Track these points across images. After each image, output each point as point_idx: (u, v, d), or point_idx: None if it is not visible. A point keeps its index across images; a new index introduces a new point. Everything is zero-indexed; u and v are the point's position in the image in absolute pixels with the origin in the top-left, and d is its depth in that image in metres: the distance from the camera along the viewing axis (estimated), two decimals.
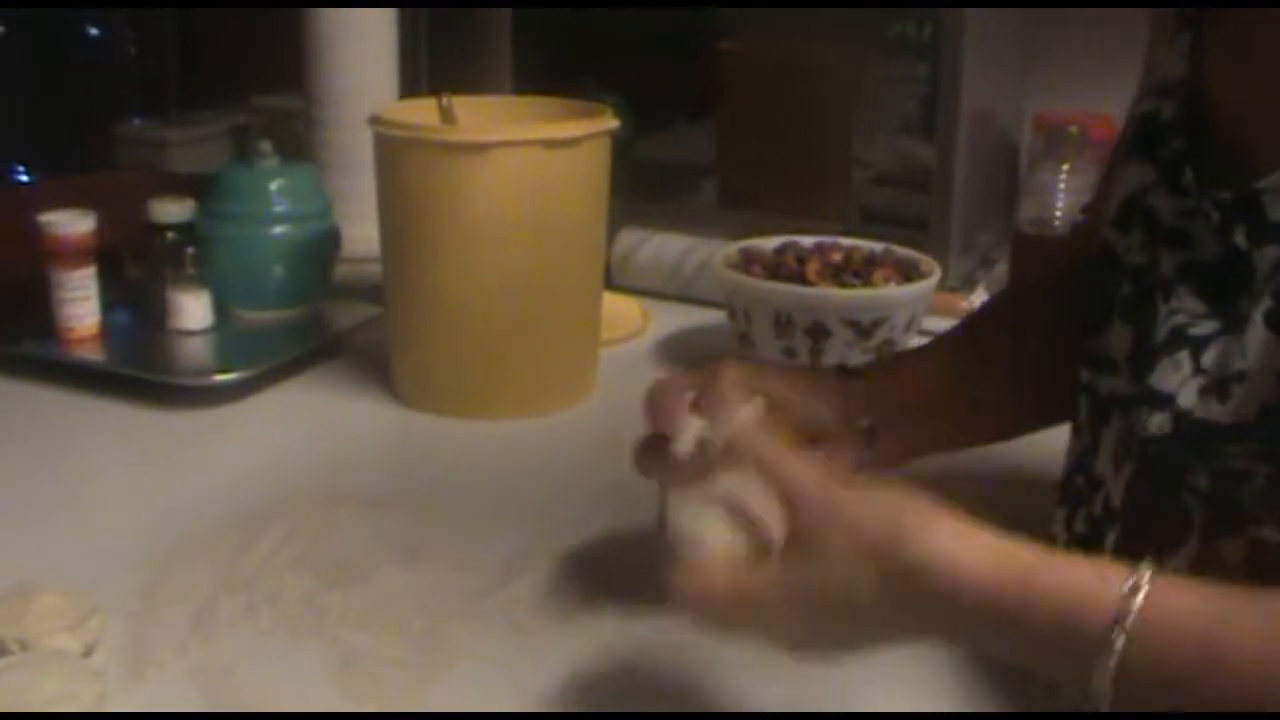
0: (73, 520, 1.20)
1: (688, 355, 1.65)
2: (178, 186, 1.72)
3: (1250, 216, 0.80)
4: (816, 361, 1.47)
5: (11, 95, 3.34)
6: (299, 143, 2.02)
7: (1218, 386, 0.80)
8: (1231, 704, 0.68)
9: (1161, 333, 0.85)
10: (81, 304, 1.53)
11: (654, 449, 0.97)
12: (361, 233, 1.68)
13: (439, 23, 2.33)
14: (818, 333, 1.45)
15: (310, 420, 1.46)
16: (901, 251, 1.58)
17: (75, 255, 1.51)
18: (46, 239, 1.50)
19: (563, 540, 1.15)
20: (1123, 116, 1.01)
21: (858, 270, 1.52)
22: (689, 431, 0.90)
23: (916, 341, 1.52)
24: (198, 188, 1.69)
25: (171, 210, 1.63)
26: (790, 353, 1.47)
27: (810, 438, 1.02)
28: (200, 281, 1.58)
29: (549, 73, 1.96)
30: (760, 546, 0.79)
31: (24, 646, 0.94)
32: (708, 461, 0.87)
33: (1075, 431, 0.97)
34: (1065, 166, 1.81)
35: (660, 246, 1.86)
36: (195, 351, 1.57)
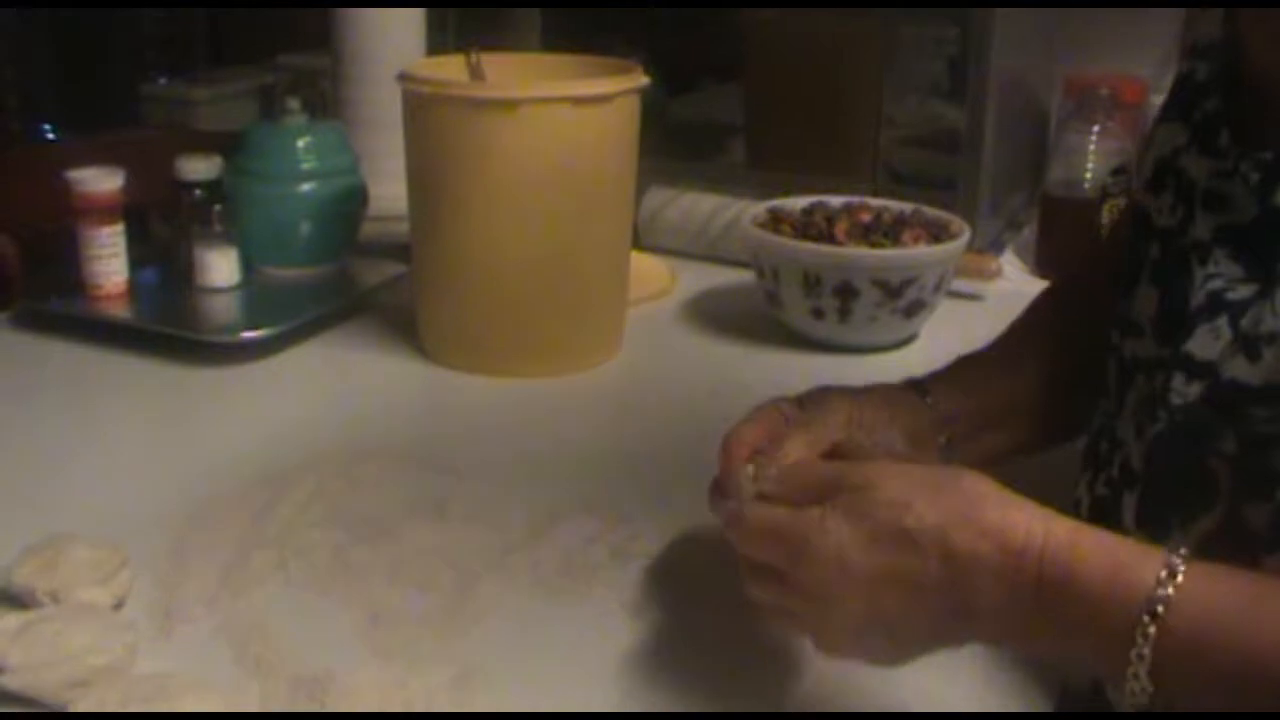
0: (101, 475, 1.20)
1: (715, 315, 1.64)
2: (205, 145, 1.71)
3: None
4: (846, 322, 1.46)
5: (39, 55, 3.34)
6: (325, 101, 2.02)
7: (1247, 347, 0.79)
8: (1266, 694, 0.68)
9: (1198, 298, 0.83)
10: (109, 261, 1.53)
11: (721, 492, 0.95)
12: (388, 190, 1.67)
13: None
14: (846, 292, 1.45)
15: (337, 377, 1.46)
16: (931, 212, 1.58)
17: (103, 212, 1.51)
18: (75, 196, 1.51)
19: (591, 498, 1.15)
20: (1154, 79, 1.00)
21: (887, 230, 1.51)
22: (746, 486, 0.89)
23: (944, 303, 1.52)
24: (225, 146, 1.69)
25: (199, 168, 1.63)
26: (818, 312, 1.47)
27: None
28: (227, 239, 1.58)
29: (577, 34, 1.95)
30: None
31: (55, 599, 0.94)
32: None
33: (1105, 395, 0.96)
34: (1095, 129, 1.80)
35: (688, 206, 1.85)
36: (222, 308, 1.57)
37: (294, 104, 1.67)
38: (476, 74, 1.48)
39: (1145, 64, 1.97)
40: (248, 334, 1.47)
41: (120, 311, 1.53)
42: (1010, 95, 1.89)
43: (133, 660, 0.89)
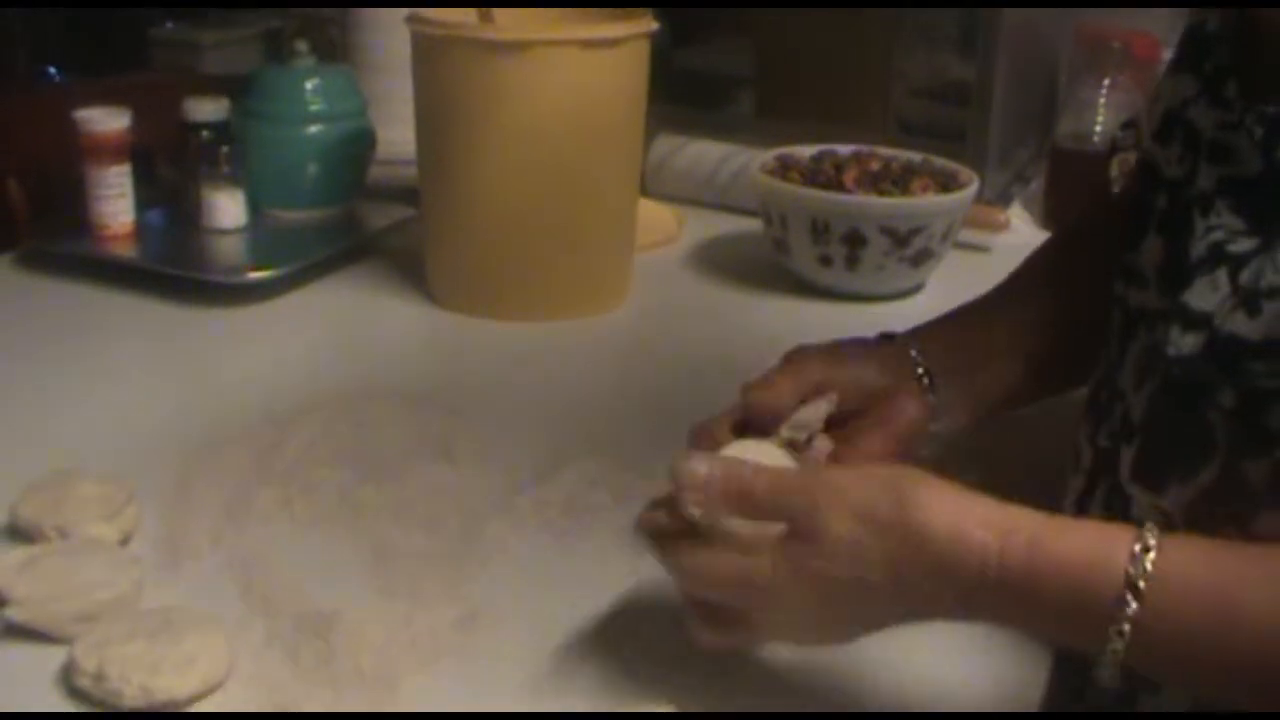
0: (108, 413, 1.20)
1: (722, 262, 1.64)
2: (212, 88, 1.71)
3: None
4: (854, 270, 1.46)
5: None
6: (332, 48, 2.01)
7: (1248, 301, 0.78)
8: (1248, 666, 0.68)
9: (1199, 249, 0.83)
10: (116, 201, 1.52)
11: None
12: (396, 134, 1.67)
13: None
14: (854, 240, 1.44)
15: (344, 319, 1.46)
16: (940, 161, 1.57)
17: (110, 152, 1.51)
18: (82, 136, 1.50)
19: (596, 442, 1.15)
20: (1166, 34, 1.00)
21: (896, 179, 1.51)
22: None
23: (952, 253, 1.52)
24: (232, 89, 1.68)
25: (207, 109, 1.63)
26: (825, 260, 1.47)
27: (870, 401, 1.00)
28: (235, 180, 1.58)
29: None
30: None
31: (62, 534, 0.94)
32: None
33: (1106, 344, 0.96)
34: (1106, 82, 1.79)
35: (696, 153, 1.84)
36: (230, 250, 1.57)
37: (303, 46, 1.67)
38: (486, 18, 1.47)
39: (1157, 18, 1.96)
40: (254, 275, 1.47)
41: (127, 252, 1.53)
42: (1021, 48, 1.88)
43: (139, 595, 0.90)
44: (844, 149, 1.60)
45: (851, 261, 1.46)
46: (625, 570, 0.96)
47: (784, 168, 1.56)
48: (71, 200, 1.54)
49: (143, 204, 1.56)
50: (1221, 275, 0.80)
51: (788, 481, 0.79)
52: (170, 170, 1.70)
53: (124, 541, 0.97)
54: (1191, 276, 0.82)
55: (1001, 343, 1.07)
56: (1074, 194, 1.78)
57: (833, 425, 0.97)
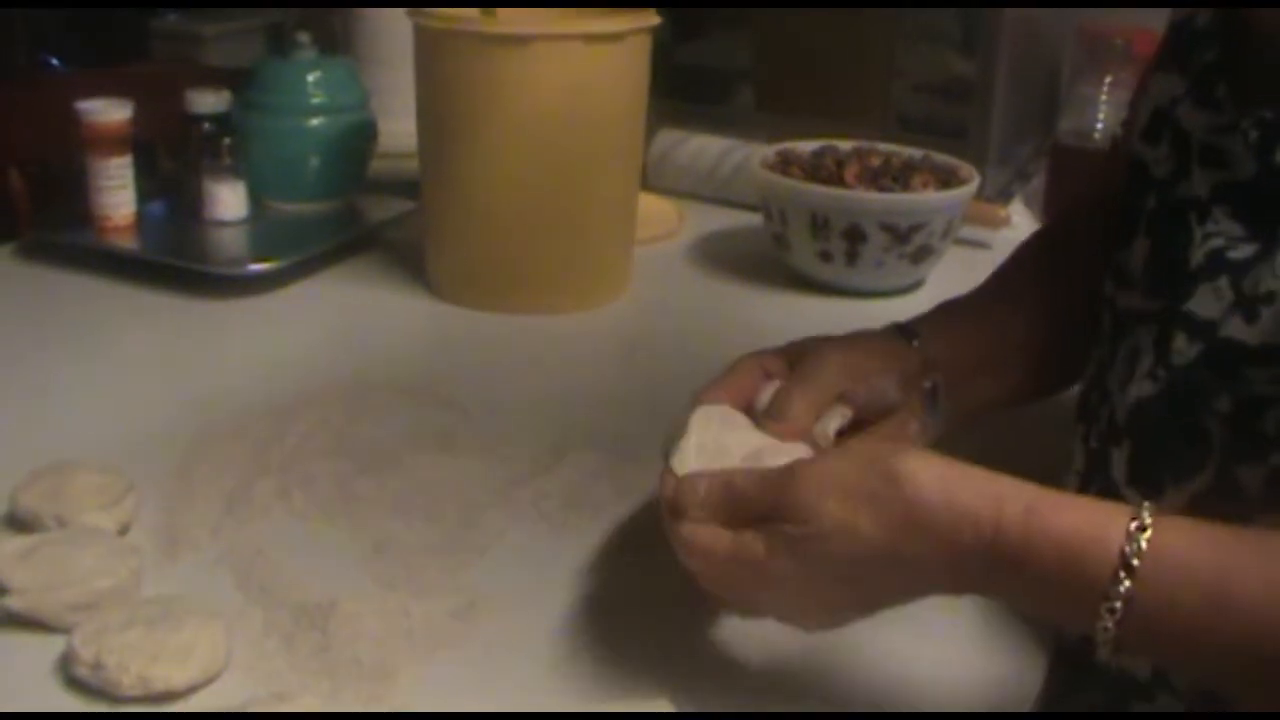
0: (108, 404, 1.20)
1: (722, 256, 1.64)
2: (214, 80, 1.71)
3: None
4: (853, 265, 1.46)
5: None
6: (334, 40, 2.01)
7: (1246, 307, 0.78)
8: (1239, 650, 0.68)
9: (1198, 257, 0.82)
10: (118, 193, 1.53)
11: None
12: (398, 127, 1.67)
13: None
14: (854, 235, 1.44)
15: (344, 311, 1.46)
16: (940, 158, 1.57)
17: (112, 143, 1.51)
18: (84, 126, 1.50)
19: (595, 434, 1.15)
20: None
21: (896, 175, 1.51)
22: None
23: (952, 249, 1.52)
24: (233, 81, 1.68)
25: (208, 100, 1.62)
26: (825, 255, 1.47)
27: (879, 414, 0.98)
28: (236, 172, 1.58)
29: None
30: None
31: (61, 522, 0.94)
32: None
33: (1098, 346, 0.95)
34: (1108, 79, 1.79)
35: (697, 148, 1.85)
36: (230, 241, 1.57)
37: (305, 38, 1.67)
38: (488, 11, 1.47)
39: (1159, 15, 1.96)
40: (255, 267, 1.47)
41: (128, 243, 1.53)
42: (1022, 44, 1.88)
43: (137, 585, 0.90)
44: (845, 145, 1.60)
45: (851, 257, 1.46)
46: (625, 562, 0.97)
47: (785, 163, 1.56)
48: (73, 191, 1.54)
49: (144, 195, 1.56)
50: (1223, 283, 0.80)
51: (775, 475, 0.79)
52: (172, 162, 1.70)
53: (123, 531, 0.97)
54: (1193, 285, 0.82)
55: (999, 345, 1.06)
56: (1075, 191, 1.78)
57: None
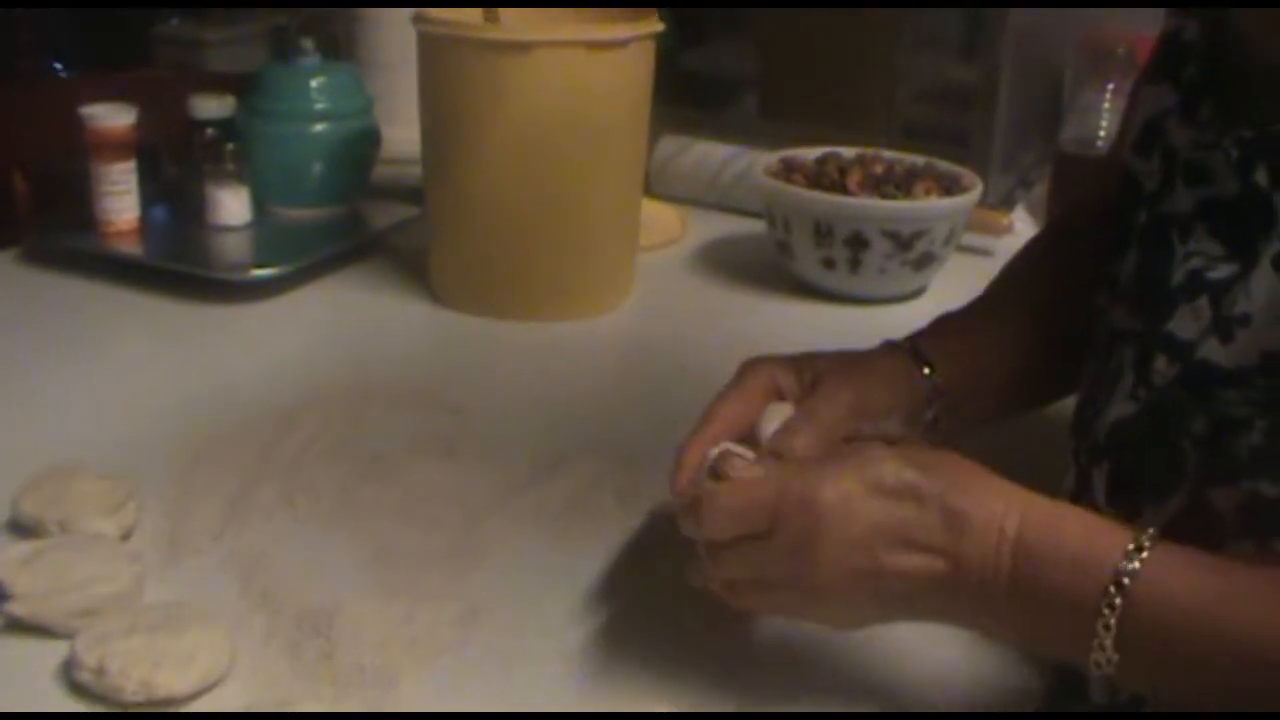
0: (110, 409, 1.20)
1: (725, 264, 1.64)
2: (217, 85, 1.71)
3: (1272, 157, 0.76)
4: (856, 273, 1.46)
5: None
6: (337, 46, 2.01)
7: (1221, 328, 0.77)
8: (1228, 678, 0.68)
9: (1178, 276, 0.81)
10: (121, 198, 1.53)
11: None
12: (401, 134, 1.67)
13: None
14: (857, 243, 1.44)
15: (347, 317, 1.47)
16: (943, 165, 1.57)
17: (116, 148, 1.51)
18: (88, 131, 1.50)
19: (598, 441, 1.16)
20: None
21: (899, 182, 1.51)
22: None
23: (954, 256, 1.52)
24: (237, 87, 1.68)
25: (212, 106, 1.63)
26: (828, 263, 1.47)
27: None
28: (239, 178, 1.58)
29: None
30: None
31: (63, 528, 0.95)
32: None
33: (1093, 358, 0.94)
34: (1110, 86, 1.79)
35: (700, 154, 1.85)
36: (233, 247, 1.57)
37: (308, 44, 1.67)
38: (491, 18, 1.48)
39: (1162, 23, 1.96)
40: (258, 272, 1.47)
41: (131, 248, 1.53)
42: (1025, 52, 1.88)
43: (140, 590, 0.90)
44: (848, 152, 1.60)
45: (854, 264, 1.46)
46: (626, 568, 0.97)
47: (788, 170, 1.56)
48: (76, 196, 1.54)
49: (147, 200, 1.56)
50: (1203, 303, 0.79)
51: (785, 474, 0.79)
52: (175, 167, 1.70)
53: (125, 537, 0.97)
54: (1173, 305, 0.81)
55: (999, 363, 1.04)
56: (1073, 199, 1.78)
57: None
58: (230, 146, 1.58)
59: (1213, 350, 0.77)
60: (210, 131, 1.61)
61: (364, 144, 1.69)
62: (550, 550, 1.00)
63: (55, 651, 0.84)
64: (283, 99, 1.64)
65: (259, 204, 1.61)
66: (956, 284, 1.36)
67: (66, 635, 0.84)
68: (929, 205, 1.47)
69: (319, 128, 1.64)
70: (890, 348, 1.01)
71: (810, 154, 1.60)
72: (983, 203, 1.56)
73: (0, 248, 1.59)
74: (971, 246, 1.64)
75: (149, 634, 0.82)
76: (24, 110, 2.08)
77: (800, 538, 0.77)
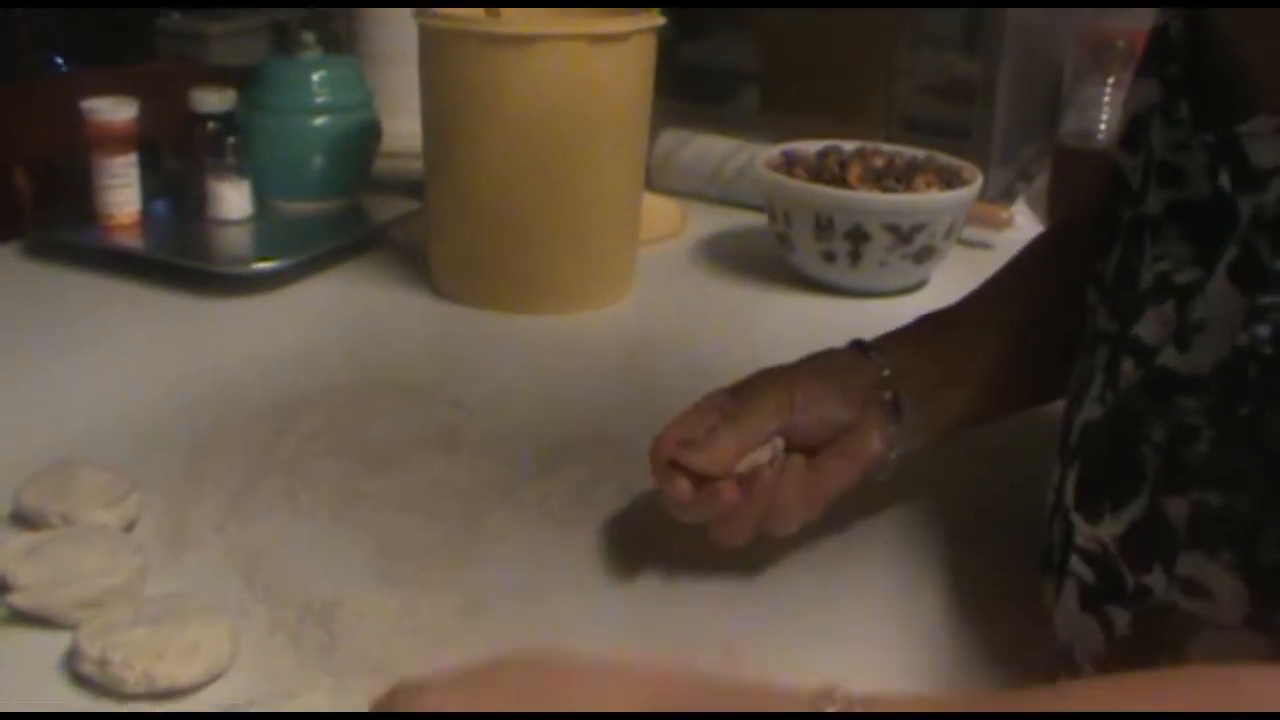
0: (113, 401, 1.20)
1: (726, 257, 1.65)
2: (218, 79, 1.71)
3: (1233, 161, 0.74)
4: (857, 266, 1.47)
5: None
6: (338, 39, 2.01)
7: (1179, 334, 0.75)
8: None
9: (1147, 279, 0.80)
10: (122, 191, 1.53)
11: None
12: (402, 127, 1.67)
13: None
14: (857, 236, 1.45)
15: (349, 310, 1.47)
16: (944, 158, 1.57)
17: (117, 142, 1.51)
18: (89, 125, 1.51)
19: (599, 434, 1.16)
20: None
21: (899, 175, 1.51)
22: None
23: (955, 249, 1.52)
24: (238, 80, 1.69)
25: (213, 100, 1.63)
26: (829, 256, 1.47)
27: (835, 433, 0.96)
28: (240, 171, 1.58)
29: None
30: None
31: (66, 520, 0.95)
32: None
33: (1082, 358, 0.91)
34: (1110, 80, 1.79)
35: (701, 148, 1.85)
36: (234, 240, 1.57)
37: (309, 37, 1.67)
38: (492, 11, 1.48)
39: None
40: (259, 266, 1.47)
41: (132, 242, 1.53)
42: (1025, 45, 1.88)
43: (143, 582, 0.90)
44: (848, 145, 1.61)
45: (855, 258, 1.47)
46: (628, 562, 0.97)
47: (788, 163, 1.56)
48: (77, 189, 1.54)
49: (148, 194, 1.57)
50: (1169, 308, 0.77)
51: None
52: (176, 161, 1.71)
53: (128, 529, 0.97)
54: (1143, 308, 0.80)
55: (970, 357, 1.03)
56: (1078, 192, 1.78)
57: (798, 449, 0.94)
58: (231, 140, 1.58)
59: (1171, 357, 0.76)
60: (211, 125, 1.61)
61: (365, 137, 1.69)
62: (552, 543, 1.00)
63: (58, 643, 0.84)
64: (284, 92, 1.65)
65: (260, 197, 1.62)
66: (958, 277, 1.36)
67: (69, 627, 0.84)
68: (929, 199, 1.47)
69: (320, 121, 1.64)
70: (840, 347, 1.02)
71: (811, 147, 1.60)
72: (983, 196, 1.57)
73: (2, 241, 1.59)
74: (972, 240, 1.64)
75: (151, 626, 0.82)
76: (26, 105, 2.08)
77: None
